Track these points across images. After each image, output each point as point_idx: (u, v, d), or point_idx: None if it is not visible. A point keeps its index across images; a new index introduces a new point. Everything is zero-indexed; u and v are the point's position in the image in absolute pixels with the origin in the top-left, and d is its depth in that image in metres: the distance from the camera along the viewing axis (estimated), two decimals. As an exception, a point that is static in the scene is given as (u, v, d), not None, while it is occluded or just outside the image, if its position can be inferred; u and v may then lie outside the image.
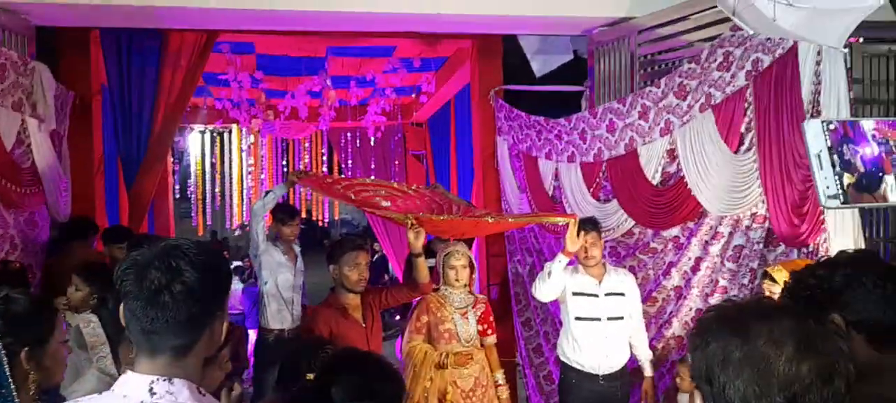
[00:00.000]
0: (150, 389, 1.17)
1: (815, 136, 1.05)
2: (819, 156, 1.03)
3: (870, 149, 1.00)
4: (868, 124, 1.02)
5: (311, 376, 2.58)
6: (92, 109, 5.07)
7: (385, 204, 3.83)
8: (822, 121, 1.04)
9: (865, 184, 1.02)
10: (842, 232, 2.99)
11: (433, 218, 3.63)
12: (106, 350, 2.06)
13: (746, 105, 3.37)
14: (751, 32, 3.14)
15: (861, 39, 3.98)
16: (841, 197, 1.02)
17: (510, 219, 4.46)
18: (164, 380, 1.17)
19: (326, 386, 1.52)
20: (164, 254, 1.19)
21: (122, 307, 1.22)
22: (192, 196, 9.09)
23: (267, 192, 4.40)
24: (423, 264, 3.53)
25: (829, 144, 1.02)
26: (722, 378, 0.92)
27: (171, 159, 7.78)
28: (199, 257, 1.20)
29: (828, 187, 1.03)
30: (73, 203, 4.74)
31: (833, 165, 1.01)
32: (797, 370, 0.88)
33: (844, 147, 1.03)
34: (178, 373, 1.19)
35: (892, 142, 1.00)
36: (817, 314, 0.98)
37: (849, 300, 1.30)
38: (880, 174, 1.00)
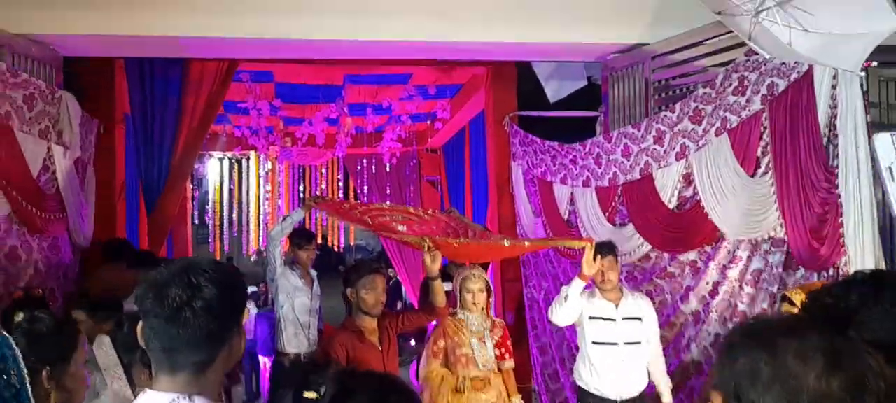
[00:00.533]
0: None
1: (886, 149, 1.08)
2: (890, 168, 1.05)
3: None
4: None
5: (312, 395, 2.59)
6: (115, 136, 5.19)
7: (401, 228, 3.86)
8: (892, 134, 1.06)
9: None
10: (862, 256, 2.97)
11: (449, 242, 3.65)
12: (119, 371, 2.09)
13: (762, 129, 3.38)
14: (767, 57, 3.16)
15: (876, 63, 3.99)
16: None
17: (527, 243, 4.48)
18: (184, 397, 1.19)
19: None
20: (183, 272, 1.21)
21: (139, 326, 1.24)
22: (210, 221, 9.19)
23: (284, 217, 4.45)
24: (440, 287, 3.53)
25: None
26: (751, 394, 0.91)
27: (190, 185, 7.90)
28: (217, 274, 1.22)
29: None
30: (95, 227, 4.82)
31: None
32: (827, 386, 0.87)
33: None
34: (198, 390, 1.20)
35: None
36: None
37: (864, 319, 1.27)
38: None
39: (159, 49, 4.59)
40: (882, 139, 1.13)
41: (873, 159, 2.48)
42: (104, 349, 2.19)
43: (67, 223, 4.32)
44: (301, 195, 8.64)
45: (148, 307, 1.21)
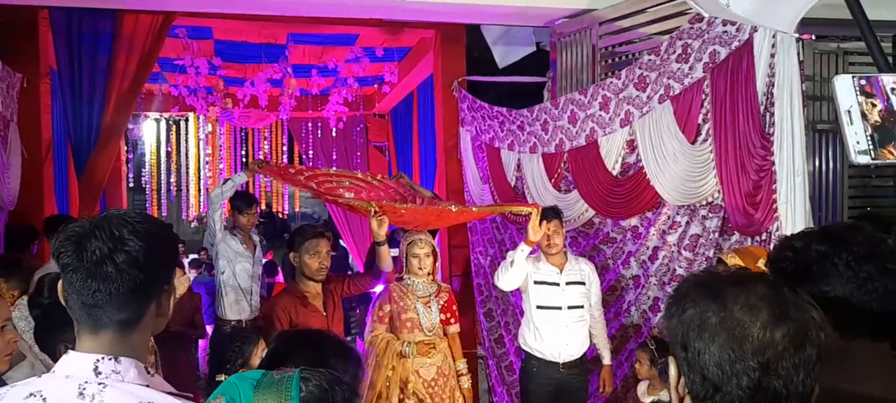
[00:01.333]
0: (95, 368, 1.10)
1: (846, 91, 1.06)
2: (849, 111, 1.04)
3: (885, 104, 1.04)
4: (888, 79, 1.05)
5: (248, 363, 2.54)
6: (40, 92, 4.88)
7: (348, 194, 3.79)
8: (853, 76, 1.05)
9: (879, 140, 1.06)
10: (794, 221, 3.08)
11: (396, 207, 3.61)
12: (29, 336, 1.97)
13: (704, 96, 3.44)
14: (706, 16, 3.20)
15: (813, 37, 4.11)
16: (871, 152, 1.03)
17: (474, 209, 4.47)
18: (110, 359, 1.10)
19: (280, 363, 1.49)
20: (104, 223, 1.12)
21: (59, 283, 1.15)
22: (147, 186, 8.83)
23: (226, 180, 4.30)
24: (386, 252, 3.51)
25: (859, 99, 1.03)
26: (697, 343, 0.92)
27: (125, 148, 7.54)
28: (143, 225, 1.13)
29: (858, 143, 1.03)
30: (21, 189, 4.55)
31: (864, 118, 1.02)
32: (771, 336, 0.89)
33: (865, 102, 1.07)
34: (124, 351, 1.12)
35: None
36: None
37: (818, 277, 1.25)
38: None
39: (86, -1, 4.30)
40: (842, 81, 1.11)
41: (833, 100, 2.56)
42: (19, 310, 2.07)
43: (-13, 184, 4.06)
44: (243, 159, 8.39)
45: (67, 261, 1.11)
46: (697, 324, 0.93)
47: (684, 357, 0.95)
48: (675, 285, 3.70)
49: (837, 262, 1.25)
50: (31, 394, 1.08)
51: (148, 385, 1.12)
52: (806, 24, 3.63)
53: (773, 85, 3.09)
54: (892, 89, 1.01)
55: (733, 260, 2.83)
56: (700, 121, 3.47)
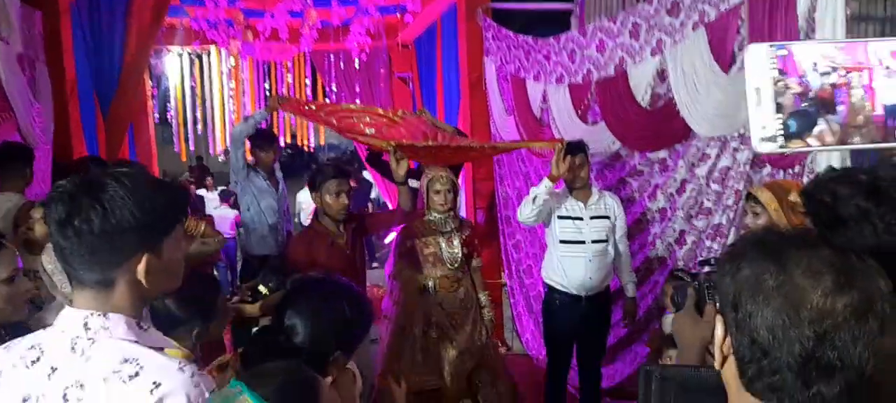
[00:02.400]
0: (85, 324, 1.14)
1: (758, 65, 0.90)
2: (758, 90, 0.89)
3: (805, 83, 0.87)
4: (812, 51, 0.88)
5: (264, 290, 2.61)
6: (61, 30, 4.85)
7: (369, 131, 3.75)
8: (771, 45, 0.90)
9: (796, 127, 0.90)
10: (827, 154, 2.96)
11: (416, 146, 3.57)
12: (64, 279, 2.00)
13: (740, 22, 3.26)
14: None
15: None
16: (779, 139, 0.90)
17: (498, 145, 4.39)
18: (99, 315, 1.14)
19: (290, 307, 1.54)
20: (78, 185, 1.13)
21: None
22: (173, 121, 8.89)
23: (247, 117, 4.30)
24: (406, 192, 3.51)
25: (775, 76, 0.88)
26: (749, 305, 0.87)
27: (150, 83, 7.56)
28: (112, 192, 1.12)
29: (764, 128, 0.90)
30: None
31: (775, 101, 0.88)
32: (832, 304, 0.82)
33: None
34: (111, 307, 1.15)
35: (841, 70, 0.87)
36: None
37: (853, 232, 1.13)
38: (819, 112, 0.88)
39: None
40: (756, 52, 0.95)
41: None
42: (49, 255, 2.11)
43: (16, 123, 4.10)
44: (267, 93, 8.35)
45: (50, 211, 1.14)
46: (752, 285, 0.87)
47: (734, 317, 0.90)
48: (702, 219, 3.64)
49: (878, 223, 1.13)
50: (32, 346, 1.16)
51: (137, 341, 1.15)
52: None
53: (814, 9, 2.91)
54: (815, 65, 0.86)
55: (764, 195, 2.74)
56: (736, 48, 3.30)
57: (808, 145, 0.87)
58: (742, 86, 3.13)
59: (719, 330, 0.94)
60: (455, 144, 3.81)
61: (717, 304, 0.97)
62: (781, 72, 0.87)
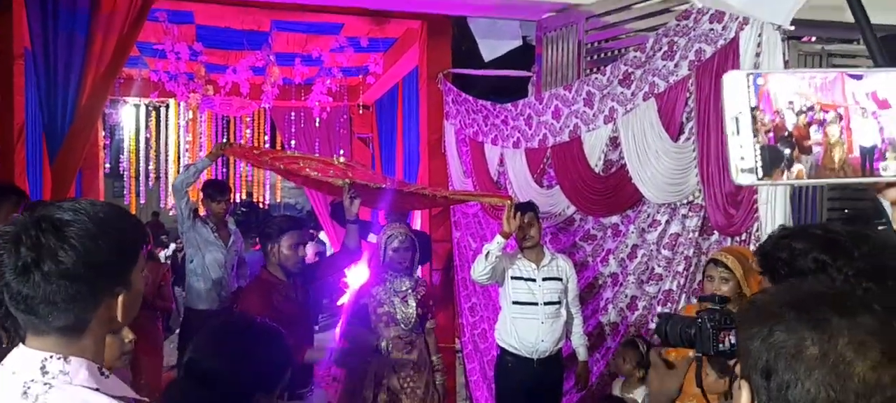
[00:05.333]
0: (42, 367, 1.02)
1: (737, 92, 0.88)
2: (737, 119, 0.87)
3: (781, 120, 0.86)
4: (788, 85, 0.87)
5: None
6: (13, 74, 4.74)
7: (314, 174, 3.74)
8: (749, 74, 0.88)
9: (772, 162, 0.87)
10: (773, 221, 3.06)
11: (369, 186, 3.58)
12: None
13: (688, 94, 3.41)
14: (699, 5, 3.16)
15: (814, 39, 4.11)
16: (758, 171, 0.87)
17: (447, 194, 4.41)
18: (59, 359, 1.03)
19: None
20: (35, 225, 1.02)
21: None
22: (126, 172, 8.67)
23: (188, 166, 4.22)
24: (354, 231, 3.49)
25: (753, 104, 0.86)
26: (786, 374, 0.80)
27: (103, 133, 7.40)
28: (80, 227, 1.02)
29: (743, 159, 0.87)
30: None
31: (755, 132, 0.86)
32: (880, 378, 0.78)
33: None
34: (73, 352, 1.04)
35: (817, 108, 0.87)
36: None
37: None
38: (789, 149, 0.86)
39: (62, -23, 4.18)
40: (735, 80, 0.88)
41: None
42: None
43: (-46, 165, 3.93)
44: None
45: (3, 259, 1.02)
46: (791, 353, 0.81)
47: (765, 385, 0.83)
48: (653, 284, 3.68)
49: (836, 275, 1.15)
50: None
51: (98, 389, 1.04)
52: (791, 24, 3.62)
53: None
54: (791, 103, 0.86)
55: (730, 259, 2.74)
56: (683, 119, 3.44)
57: (786, 179, 0.86)
58: (690, 155, 3.25)
59: (745, 397, 0.87)
60: (408, 190, 3.82)
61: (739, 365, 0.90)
62: (759, 106, 0.86)
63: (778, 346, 0.82)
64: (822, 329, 0.80)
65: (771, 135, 0.84)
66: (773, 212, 3.05)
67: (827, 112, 0.84)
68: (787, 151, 0.85)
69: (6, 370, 1.04)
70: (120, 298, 1.08)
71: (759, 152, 0.84)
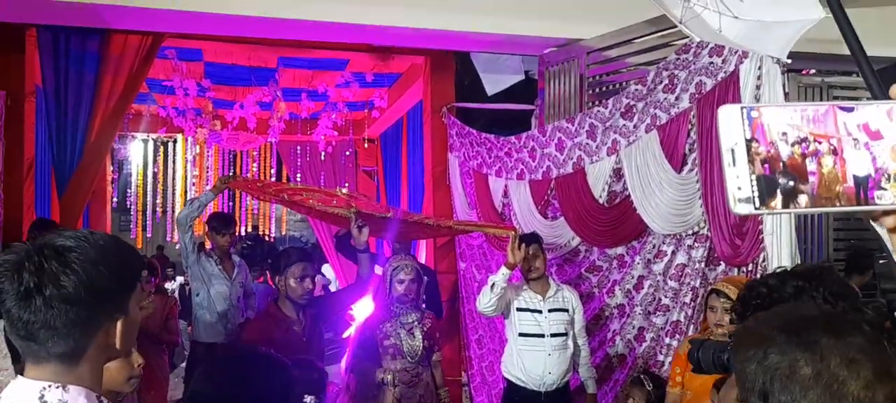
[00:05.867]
0: (41, 396, 1.04)
1: (732, 125, 0.91)
2: (733, 150, 0.90)
3: (775, 151, 0.89)
4: (782, 117, 0.90)
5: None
6: (24, 111, 4.83)
7: (318, 205, 3.77)
8: (742, 108, 0.91)
9: (769, 192, 0.90)
10: (779, 252, 3.07)
11: (375, 215, 3.60)
12: (7, 363, 1.88)
13: (690, 126, 3.45)
14: (694, 45, 3.21)
15: (813, 71, 4.17)
16: (755, 201, 0.90)
17: (451, 224, 4.42)
18: (57, 387, 1.04)
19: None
20: (38, 252, 1.04)
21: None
22: (133, 207, 8.73)
23: (192, 200, 4.25)
24: (366, 260, 3.50)
25: (747, 136, 0.89)
26: (782, 395, 0.83)
27: (111, 168, 7.48)
28: (82, 254, 1.05)
29: (740, 189, 0.89)
30: (2, 207, 4.49)
31: (750, 162, 0.89)
32: (873, 396, 0.81)
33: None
34: (71, 380, 1.06)
35: (811, 139, 0.90)
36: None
37: None
38: (785, 179, 0.89)
39: (75, 17, 4.29)
40: (729, 113, 0.92)
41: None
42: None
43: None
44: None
45: (3, 286, 1.04)
46: (786, 375, 0.84)
47: None
48: (660, 315, 3.67)
49: (815, 295, 1.22)
50: None
51: None
52: (792, 58, 3.68)
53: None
54: (784, 134, 0.89)
55: (732, 291, 2.76)
56: (686, 150, 3.47)
57: (783, 209, 0.88)
58: (694, 186, 3.27)
59: None
60: (412, 219, 3.84)
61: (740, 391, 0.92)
62: (753, 138, 0.89)
63: (773, 368, 0.85)
64: (812, 350, 0.83)
65: (766, 165, 0.87)
66: (779, 243, 3.06)
67: (820, 142, 0.87)
68: (782, 181, 0.88)
69: (5, 400, 1.06)
70: (119, 324, 1.10)
71: (755, 182, 0.86)
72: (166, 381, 4.83)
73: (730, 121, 0.87)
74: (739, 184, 0.86)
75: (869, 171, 0.86)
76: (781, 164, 0.85)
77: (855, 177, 0.86)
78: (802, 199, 0.85)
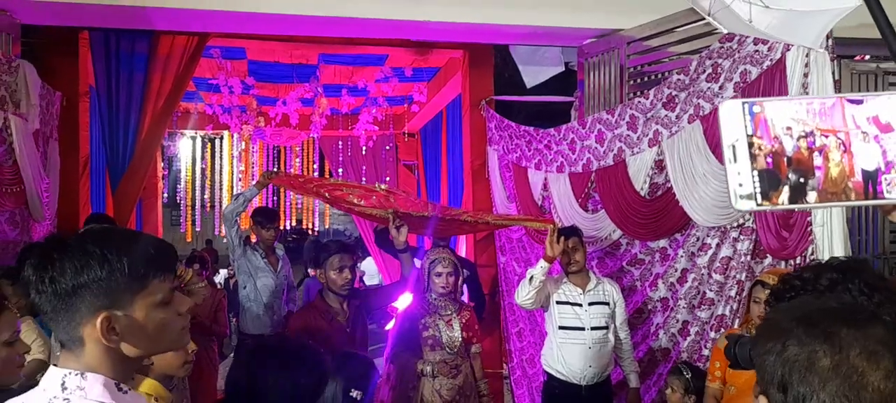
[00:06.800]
0: (62, 383, 1.12)
1: (733, 121, 0.89)
2: (734, 146, 0.88)
3: (780, 146, 0.86)
4: (786, 111, 0.87)
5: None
6: (79, 110, 5.04)
7: (358, 201, 3.80)
8: (744, 103, 0.89)
9: (767, 184, 0.88)
10: (830, 245, 2.97)
11: (412, 215, 3.62)
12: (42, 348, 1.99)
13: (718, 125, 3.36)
14: (724, 31, 3.13)
15: (868, 57, 4.01)
16: (757, 197, 0.88)
17: (489, 219, 4.40)
18: (76, 375, 1.12)
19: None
20: (45, 245, 1.14)
21: None
22: (182, 201, 9.02)
23: (238, 195, 4.35)
24: (408, 259, 3.53)
25: (749, 132, 0.87)
26: (801, 387, 0.82)
27: (161, 164, 7.74)
28: (81, 247, 1.11)
29: (741, 185, 0.86)
30: (59, 204, 4.69)
31: (752, 158, 0.87)
32: (893, 388, 0.80)
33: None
34: (91, 367, 1.13)
35: (817, 133, 0.87)
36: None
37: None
38: (789, 174, 0.86)
39: (125, 20, 4.44)
40: (731, 109, 0.90)
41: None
42: (27, 325, 2.11)
43: (25, 197, 4.18)
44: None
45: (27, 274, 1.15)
46: (805, 366, 0.83)
47: (783, 399, 0.85)
48: (705, 309, 3.60)
49: (851, 287, 1.19)
50: None
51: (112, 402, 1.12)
52: (844, 45, 3.53)
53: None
54: (789, 128, 0.86)
55: (775, 281, 2.70)
56: (731, 140, 3.38)
57: (787, 204, 0.86)
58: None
59: None
60: (450, 216, 3.85)
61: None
62: (756, 133, 0.87)
63: (792, 360, 0.84)
64: (832, 341, 0.82)
65: (769, 160, 0.85)
66: (829, 235, 2.96)
67: (827, 137, 0.85)
68: (787, 176, 0.86)
69: (40, 387, 1.15)
70: (100, 319, 1.11)
71: (756, 178, 0.85)
72: (216, 371, 4.98)
73: (731, 117, 0.86)
74: (740, 181, 0.85)
75: (878, 165, 0.83)
76: (786, 159, 0.83)
77: (863, 171, 0.83)
78: (809, 195, 0.83)
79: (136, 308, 1.15)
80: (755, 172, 0.85)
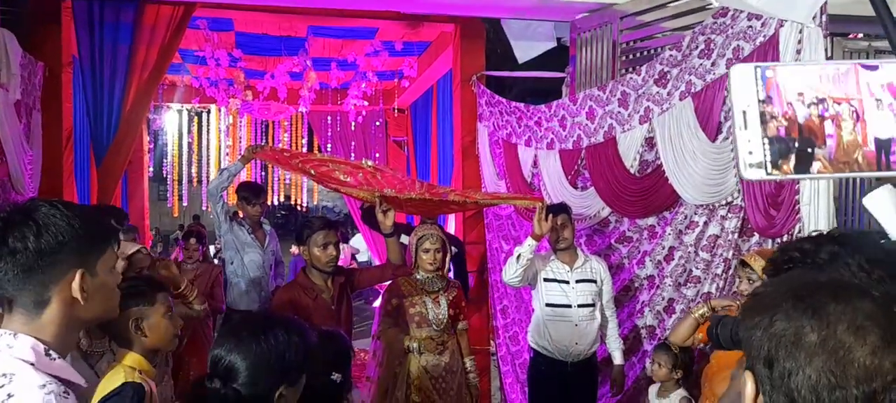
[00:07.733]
0: None
1: (745, 86, 0.85)
2: (745, 112, 0.84)
3: (791, 113, 0.83)
4: (798, 77, 0.83)
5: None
6: (62, 81, 4.94)
7: (344, 178, 3.74)
8: (756, 66, 0.85)
9: (782, 156, 0.84)
10: (816, 224, 2.96)
11: (399, 197, 3.57)
12: None
13: (726, 93, 3.33)
14: (717, 6, 3.09)
15: (861, 35, 3.97)
16: (767, 165, 0.85)
17: (477, 197, 4.37)
18: (10, 334, 1.16)
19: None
20: (5, 212, 1.18)
21: None
22: (169, 176, 8.93)
23: (222, 170, 4.29)
24: (393, 244, 3.48)
25: (761, 97, 0.84)
26: (787, 362, 0.81)
27: (147, 138, 7.64)
28: (51, 211, 1.17)
29: (751, 153, 0.82)
30: (42, 177, 4.62)
31: (763, 126, 0.84)
32: (880, 363, 0.78)
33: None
34: (27, 330, 1.16)
35: (830, 101, 0.83)
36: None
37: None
38: (806, 144, 0.83)
39: (107, -12, 4.34)
40: (742, 72, 0.86)
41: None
42: None
43: (7, 169, 4.11)
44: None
45: None
46: (791, 341, 0.81)
47: (768, 375, 0.84)
48: (691, 287, 3.60)
49: (850, 262, 1.17)
50: None
51: (33, 364, 1.14)
52: (837, 22, 3.49)
53: (798, 82, 2.98)
54: (801, 95, 0.82)
55: (757, 263, 2.73)
56: (722, 118, 3.36)
57: (797, 174, 0.83)
58: (728, 155, 3.17)
59: (750, 388, 0.87)
60: (437, 198, 3.80)
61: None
62: (768, 98, 0.83)
63: (778, 335, 0.82)
64: (819, 316, 0.80)
65: (781, 127, 0.81)
66: (816, 213, 2.95)
67: (840, 104, 0.81)
68: (797, 144, 0.83)
69: None
70: (77, 276, 1.18)
71: (767, 146, 0.81)
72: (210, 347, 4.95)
73: (743, 81, 0.82)
74: (751, 148, 0.82)
75: (892, 134, 0.80)
76: (798, 127, 0.80)
77: (877, 140, 0.80)
78: (818, 165, 0.80)
79: (98, 270, 1.23)
80: (766, 140, 0.82)
